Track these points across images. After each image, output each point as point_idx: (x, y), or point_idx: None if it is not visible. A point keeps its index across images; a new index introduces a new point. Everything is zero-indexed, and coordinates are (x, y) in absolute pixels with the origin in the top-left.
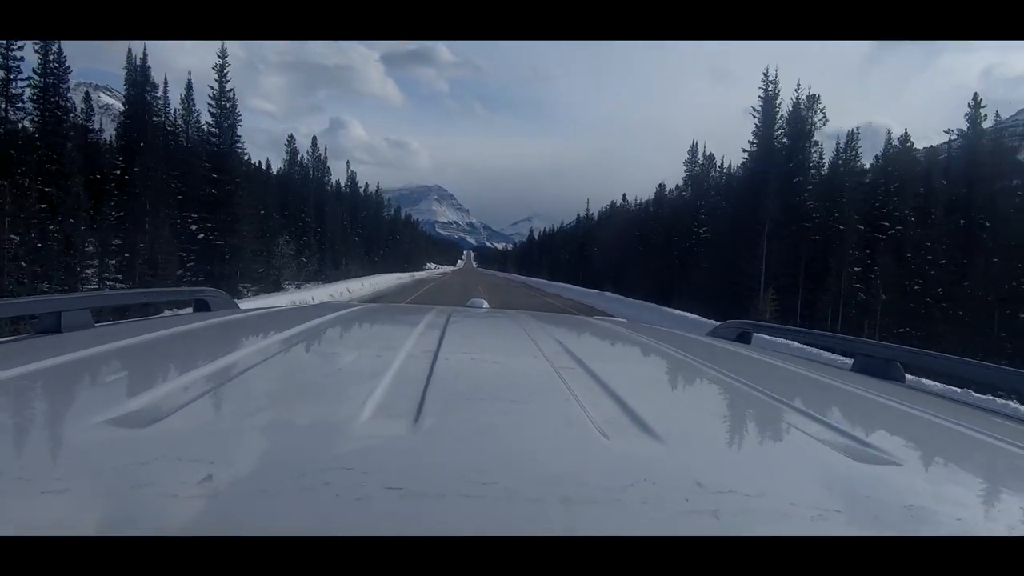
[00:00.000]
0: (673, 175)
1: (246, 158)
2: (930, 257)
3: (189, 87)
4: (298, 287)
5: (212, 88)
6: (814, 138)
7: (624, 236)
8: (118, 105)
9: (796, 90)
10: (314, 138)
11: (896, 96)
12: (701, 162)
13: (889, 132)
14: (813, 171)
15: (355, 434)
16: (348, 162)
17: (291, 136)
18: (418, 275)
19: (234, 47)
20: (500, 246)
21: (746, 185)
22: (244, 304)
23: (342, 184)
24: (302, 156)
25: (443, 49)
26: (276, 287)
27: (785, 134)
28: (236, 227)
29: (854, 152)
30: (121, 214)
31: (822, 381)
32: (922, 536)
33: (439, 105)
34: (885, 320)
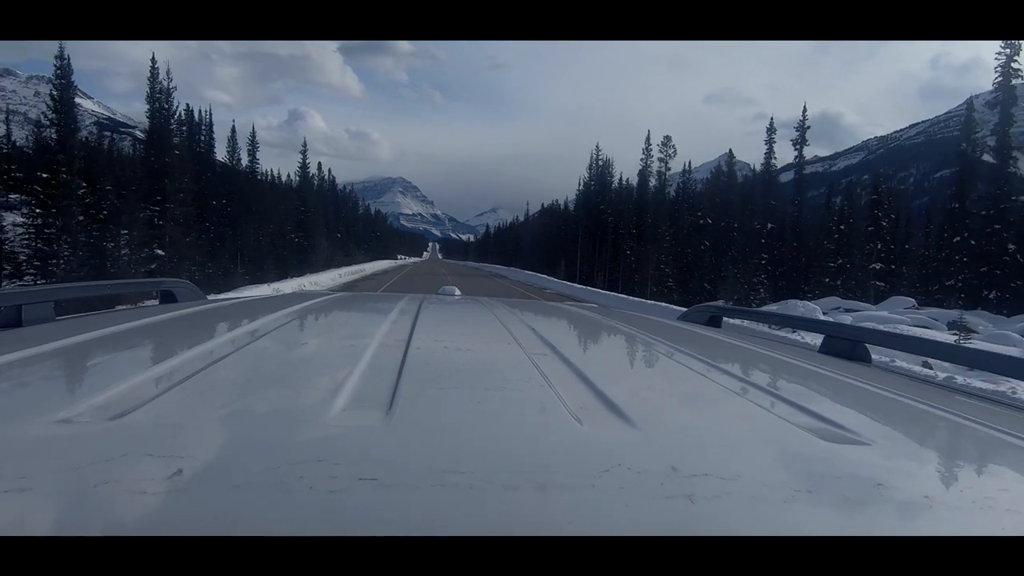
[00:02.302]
0: (629, 161)
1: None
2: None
3: (233, 131)
4: (302, 275)
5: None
6: (668, 166)
7: (537, 233)
8: (89, 104)
9: (598, 150)
10: (320, 163)
11: (845, 84)
12: (595, 174)
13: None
14: (614, 195)
15: (328, 425)
16: (330, 169)
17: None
18: (398, 262)
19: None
20: (465, 237)
21: (579, 205)
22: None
23: (316, 178)
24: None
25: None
26: (311, 270)
27: (596, 182)
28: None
29: (640, 180)
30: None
31: (791, 363)
32: (891, 518)
33: (399, 95)
34: (644, 286)
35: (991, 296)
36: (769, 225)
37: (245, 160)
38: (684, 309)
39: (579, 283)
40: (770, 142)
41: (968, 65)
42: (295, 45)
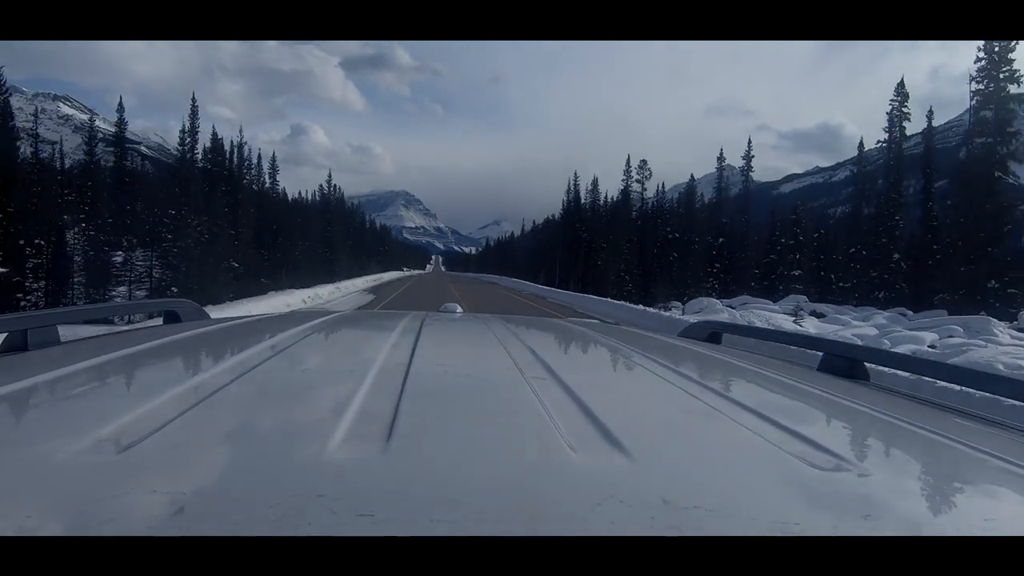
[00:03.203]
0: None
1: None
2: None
3: (260, 158)
4: (332, 282)
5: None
6: (645, 186)
7: (528, 245)
8: (79, 116)
9: (576, 177)
10: (336, 184)
11: (846, 96)
12: (572, 197)
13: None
14: (588, 214)
15: (327, 459)
16: (339, 186)
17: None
18: (405, 273)
19: (190, 52)
20: (468, 250)
21: (559, 222)
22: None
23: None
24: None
25: (402, 53)
26: (327, 279)
27: (574, 203)
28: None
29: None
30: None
31: (788, 383)
32: (877, 536)
33: (401, 110)
34: (613, 289)
35: (880, 295)
36: (720, 239)
37: (265, 179)
38: (639, 307)
39: (556, 287)
40: (720, 170)
41: (967, 75)
42: (298, 60)
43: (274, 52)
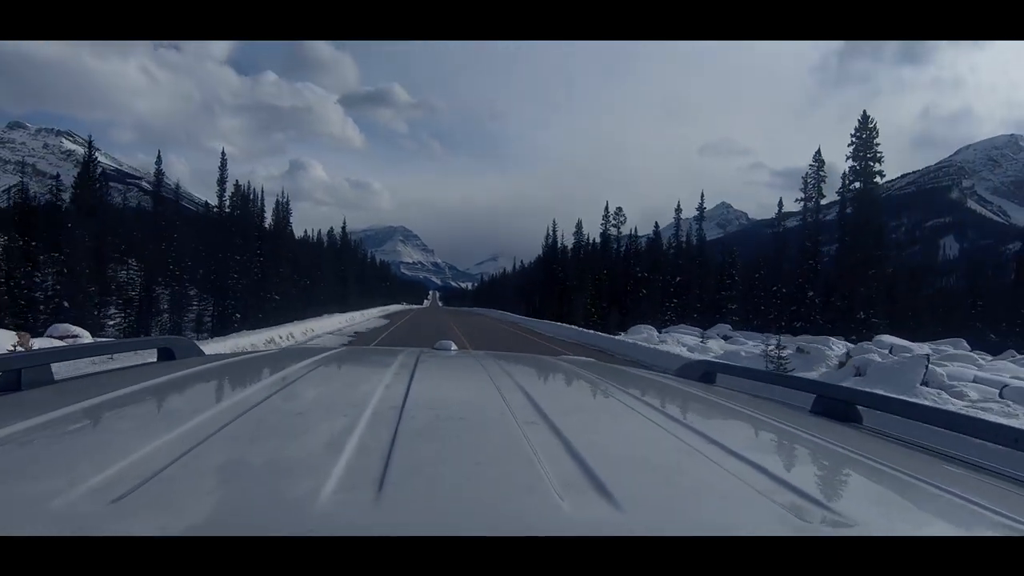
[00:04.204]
0: (629, 209)
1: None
2: (597, 302)
3: (276, 203)
4: (330, 314)
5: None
6: (620, 230)
7: (516, 282)
8: (81, 151)
9: (554, 226)
10: (345, 228)
11: (838, 134)
12: (550, 243)
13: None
14: (566, 256)
15: (319, 509)
16: (356, 241)
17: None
18: (404, 307)
19: (189, 87)
20: (465, 285)
21: (540, 263)
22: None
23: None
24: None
25: (400, 90)
26: (344, 310)
27: (555, 250)
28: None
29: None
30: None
31: (780, 427)
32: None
33: (399, 146)
34: (581, 320)
35: (798, 325)
36: (677, 278)
37: (270, 220)
38: (589, 331)
39: (532, 317)
40: (677, 220)
41: (958, 115)
42: (297, 96)
43: (273, 87)
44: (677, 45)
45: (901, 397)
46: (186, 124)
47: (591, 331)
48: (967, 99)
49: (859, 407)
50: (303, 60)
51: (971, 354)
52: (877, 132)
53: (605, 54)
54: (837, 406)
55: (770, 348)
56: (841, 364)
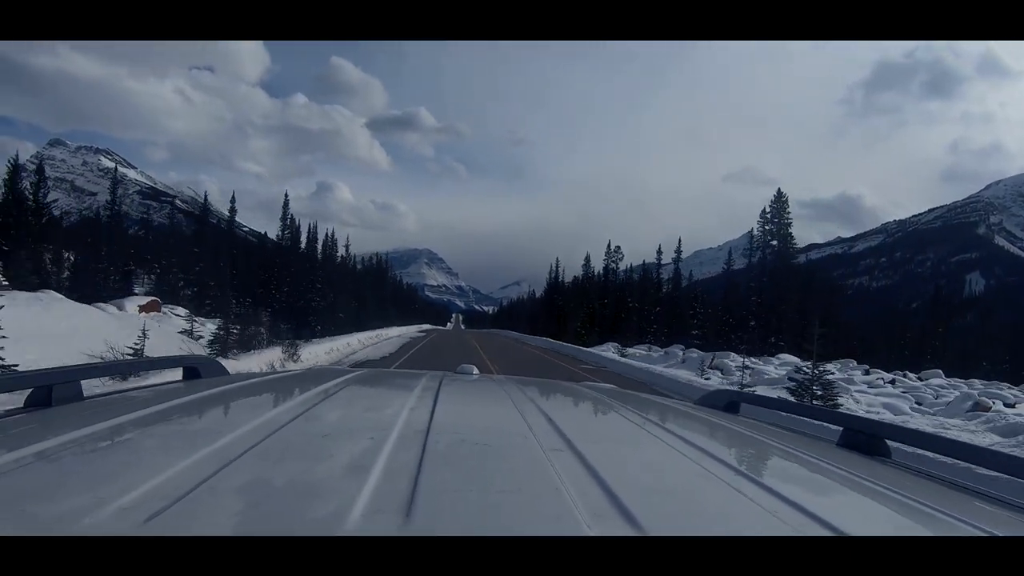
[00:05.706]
0: (645, 239)
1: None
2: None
3: (326, 235)
4: (387, 327)
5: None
6: (618, 265)
7: (531, 308)
8: (121, 170)
9: (557, 263)
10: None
11: (865, 166)
12: (553, 277)
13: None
14: (567, 287)
15: (349, 535)
16: (395, 269)
17: (328, 232)
18: (431, 327)
19: (221, 109)
20: (487, 309)
21: (546, 292)
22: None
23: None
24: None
25: (426, 114)
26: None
27: (558, 282)
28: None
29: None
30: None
31: (806, 459)
32: None
33: (424, 169)
34: (573, 339)
35: (743, 347)
36: (657, 308)
37: (302, 242)
38: (571, 345)
39: (532, 335)
40: (658, 261)
41: (988, 150)
42: (326, 119)
43: (303, 110)
44: (703, 73)
45: (929, 431)
46: (218, 144)
47: (560, 342)
48: (998, 135)
49: (887, 441)
50: (333, 84)
51: (855, 373)
52: (788, 203)
53: (630, 81)
54: (864, 440)
55: (652, 352)
56: (705, 363)
